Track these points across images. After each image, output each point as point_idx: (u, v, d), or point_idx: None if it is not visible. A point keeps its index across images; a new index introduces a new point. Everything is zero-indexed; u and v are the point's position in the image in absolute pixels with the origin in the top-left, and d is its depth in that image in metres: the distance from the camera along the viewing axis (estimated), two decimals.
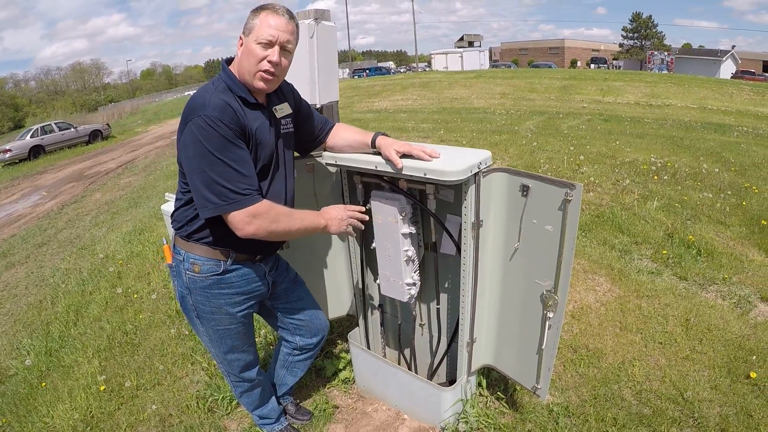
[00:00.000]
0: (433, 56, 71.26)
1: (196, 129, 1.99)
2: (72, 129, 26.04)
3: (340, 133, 2.66)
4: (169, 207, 4.28)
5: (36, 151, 23.62)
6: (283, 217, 2.14)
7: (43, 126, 25.42)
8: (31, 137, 24.13)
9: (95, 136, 26.85)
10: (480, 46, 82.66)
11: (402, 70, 76.12)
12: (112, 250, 7.20)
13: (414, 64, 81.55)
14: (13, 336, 5.31)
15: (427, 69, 69.61)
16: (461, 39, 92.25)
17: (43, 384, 4.10)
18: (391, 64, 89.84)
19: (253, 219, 2.04)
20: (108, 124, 29.51)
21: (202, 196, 2.03)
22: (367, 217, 2.47)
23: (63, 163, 20.88)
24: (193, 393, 3.63)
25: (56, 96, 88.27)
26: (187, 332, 4.45)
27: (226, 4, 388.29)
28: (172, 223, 2.38)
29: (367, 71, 64.93)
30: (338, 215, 2.36)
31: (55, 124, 26.25)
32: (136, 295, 5.43)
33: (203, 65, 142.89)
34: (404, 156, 2.36)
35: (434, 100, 27.50)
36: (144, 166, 16.04)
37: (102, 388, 3.85)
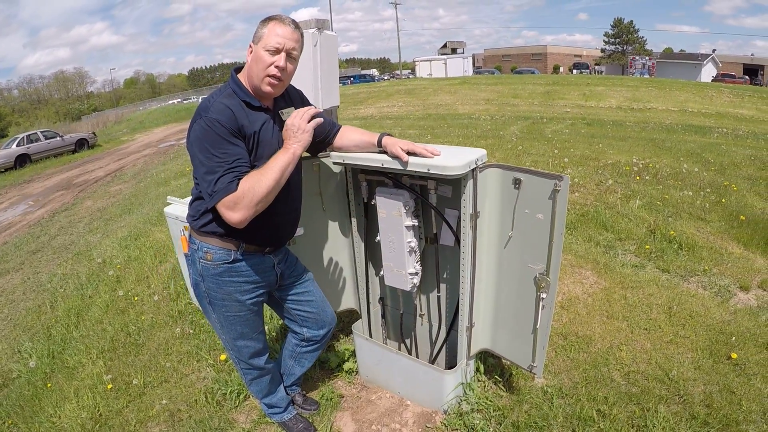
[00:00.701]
0: (416, 63, 71.06)
1: (199, 129, 2.22)
2: (58, 138, 25.83)
3: (348, 135, 2.85)
4: (171, 210, 4.43)
5: (22, 160, 23.39)
6: (257, 182, 2.21)
7: (28, 135, 25.21)
8: (17, 146, 23.86)
9: (81, 144, 26.67)
10: (463, 53, 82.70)
11: (386, 78, 75.99)
12: (109, 255, 7.27)
13: (397, 71, 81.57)
14: (13, 340, 5.38)
15: (410, 76, 69.60)
16: (444, 46, 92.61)
17: (49, 385, 4.18)
18: (374, 72, 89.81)
19: (236, 205, 2.18)
20: (94, 133, 29.35)
21: (203, 188, 2.25)
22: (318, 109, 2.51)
23: (50, 171, 20.79)
24: (201, 388, 3.74)
25: (39, 105, 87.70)
26: (191, 331, 4.57)
27: (210, 13, 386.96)
28: (186, 216, 2.56)
29: (352, 79, 64.76)
30: (295, 129, 2.35)
31: (41, 132, 26.01)
32: (136, 298, 5.52)
33: (187, 74, 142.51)
34: (408, 153, 2.58)
35: (419, 106, 27.68)
36: (133, 174, 16.05)
37: (109, 386, 3.93)
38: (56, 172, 20.26)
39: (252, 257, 2.55)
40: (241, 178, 2.20)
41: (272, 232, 2.57)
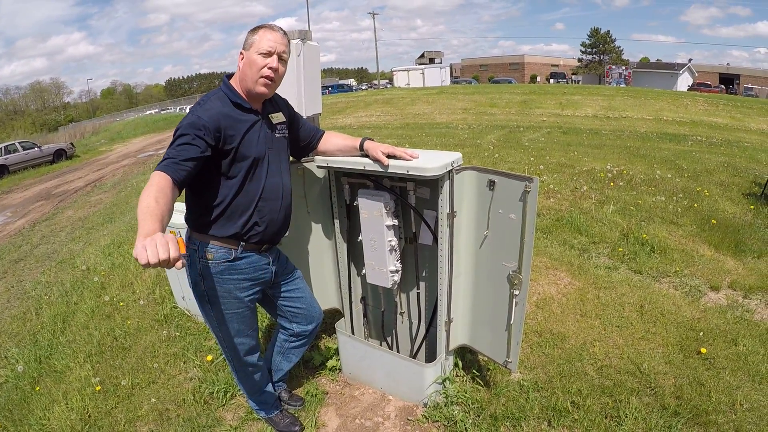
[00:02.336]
0: (394, 73, 71.04)
1: (183, 120, 2.39)
2: (36, 148, 25.65)
3: (331, 139, 3.03)
4: None
5: (0, 171, 23.20)
6: (144, 199, 2.08)
7: (6, 145, 24.93)
8: None
9: (59, 155, 26.49)
10: (441, 63, 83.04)
11: (364, 87, 76.04)
12: (93, 262, 7.30)
13: (375, 81, 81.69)
14: None
15: (388, 86, 69.67)
16: (422, 56, 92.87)
17: (37, 388, 4.22)
18: (352, 81, 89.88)
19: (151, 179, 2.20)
20: (72, 144, 29.10)
21: None
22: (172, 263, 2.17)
23: (28, 182, 20.62)
24: (189, 388, 3.83)
25: (15, 116, 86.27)
26: (178, 333, 4.65)
27: (187, 23, 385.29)
28: (185, 218, 2.67)
29: (330, 89, 64.67)
30: (146, 241, 2.00)
31: (19, 143, 25.80)
32: (122, 303, 5.56)
33: (164, 84, 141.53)
34: (389, 157, 2.74)
35: (397, 116, 27.83)
36: (113, 184, 16.01)
37: (97, 388, 3.99)
38: (35, 183, 20.10)
39: (250, 256, 2.67)
40: (175, 166, 2.25)
41: (270, 230, 2.70)
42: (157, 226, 1.96)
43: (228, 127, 2.42)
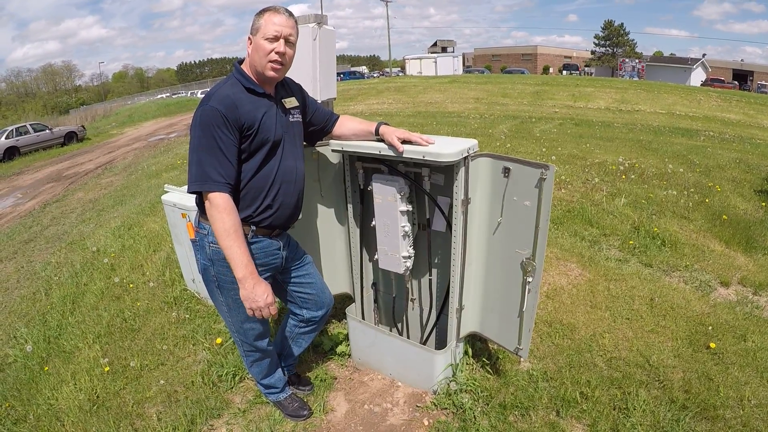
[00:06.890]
0: (407, 61, 70.83)
1: (199, 116, 2.38)
2: (47, 131, 25.64)
3: (346, 124, 3.02)
4: (169, 197, 4.54)
5: (11, 153, 23.18)
6: (224, 221, 2.37)
7: (17, 127, 24.94)
8: (5, 138, 23.56)
9: (70, 137, 26.51)
10: (453, 52, 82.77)
11: (376, 75, 75.88)
12: (103, 244, 7.31)
13: (387, 69, 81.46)
14: (8, 326, 5.40)
15: (400, 74, 69.43)
16: (434, 44, 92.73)
17: (46, 369, 4.24)
18: (364, 69, 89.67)
19: (209, 202, 2.40)
20: (83, 126, 29.17)
21: (190, 172, 2.42)
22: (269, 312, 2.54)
23: (39, 164, 20.69)
24: (198, 370, 3.83)
25: (27, 98, 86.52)
26: (187, 316, 4.66)
27: (200, 8, 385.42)
28: (196, 202, 2.65)
29: (342, 75, 64.52)
30: (254, 296, 2.47)
31: (30, 125, 25.76)
32: (131, 285, 5.58)
33: (176, 68, 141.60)
34: (404, 142, 2.73)
35: (409, 104, 27.81)
36: (124, 167, 16.03)
37: (106, 369, 4.01)
38: (46, 165, 20.16)
39: (261, 241, 2.65)
40: (223, 177, 2.38)
41: (282, 214, 2.68)
42: (247, 261, 2.44)
43: (245, 113, 2.42)
